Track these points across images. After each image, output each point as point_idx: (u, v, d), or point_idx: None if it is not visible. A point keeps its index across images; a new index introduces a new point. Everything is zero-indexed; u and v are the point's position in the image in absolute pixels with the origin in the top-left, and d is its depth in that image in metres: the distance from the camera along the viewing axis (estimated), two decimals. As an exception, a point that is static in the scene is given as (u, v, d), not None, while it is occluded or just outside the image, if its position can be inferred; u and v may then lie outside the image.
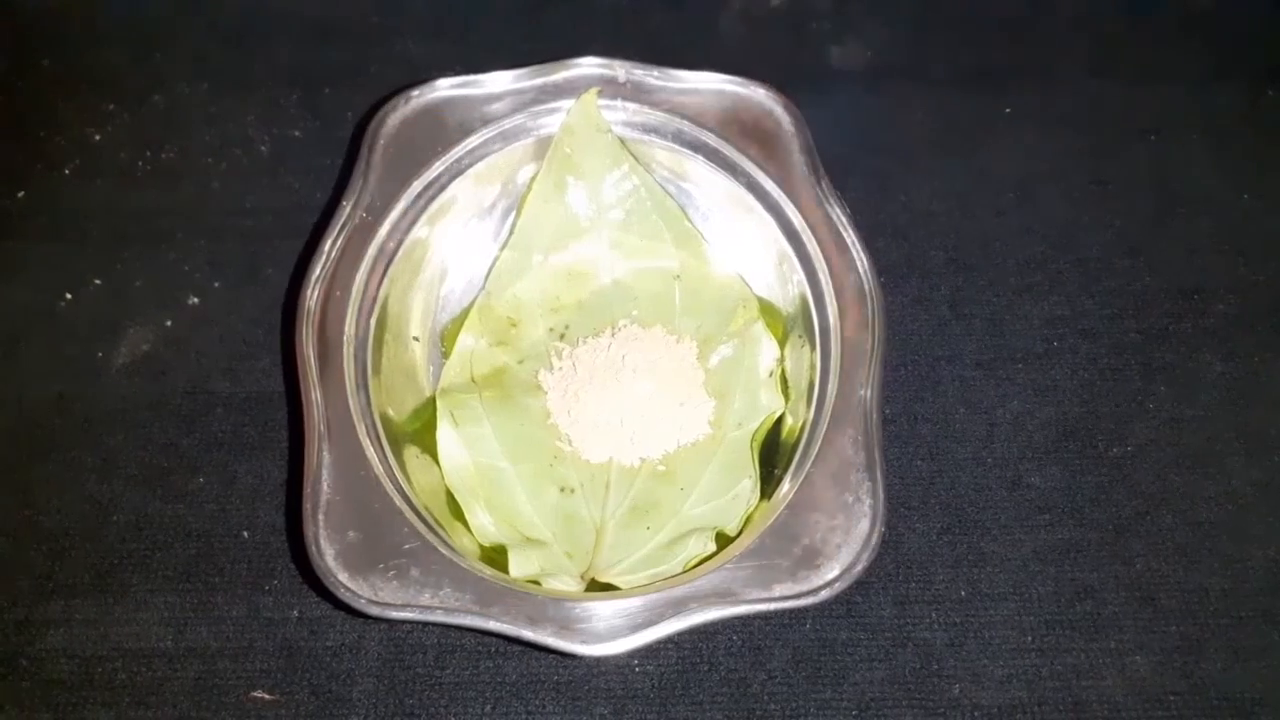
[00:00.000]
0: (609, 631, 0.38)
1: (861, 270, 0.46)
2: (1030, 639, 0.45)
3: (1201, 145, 0.59)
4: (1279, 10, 0.64)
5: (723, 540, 0.43)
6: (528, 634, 0.37)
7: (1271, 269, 0.54)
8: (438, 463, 0.46)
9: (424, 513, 0.42)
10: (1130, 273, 0.54)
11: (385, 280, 0.47)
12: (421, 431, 0.47)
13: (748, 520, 0.44)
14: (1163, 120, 0.60)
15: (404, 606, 0.38)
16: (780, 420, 0.47)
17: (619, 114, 0.50)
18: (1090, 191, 0.57)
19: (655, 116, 0.50)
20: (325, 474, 0.41)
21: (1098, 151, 0.59)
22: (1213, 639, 0.45)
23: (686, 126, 0.50)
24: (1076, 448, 0.49)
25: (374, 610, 0.38)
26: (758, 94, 0.50)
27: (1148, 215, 0.56)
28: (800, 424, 0.44)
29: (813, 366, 0.45)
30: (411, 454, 0.45)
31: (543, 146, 0.50)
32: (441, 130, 0.49)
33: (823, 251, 0.46)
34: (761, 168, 0.49)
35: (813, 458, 0.41)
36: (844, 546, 0.39)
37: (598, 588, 0.43)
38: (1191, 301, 0.53)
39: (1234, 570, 0.46)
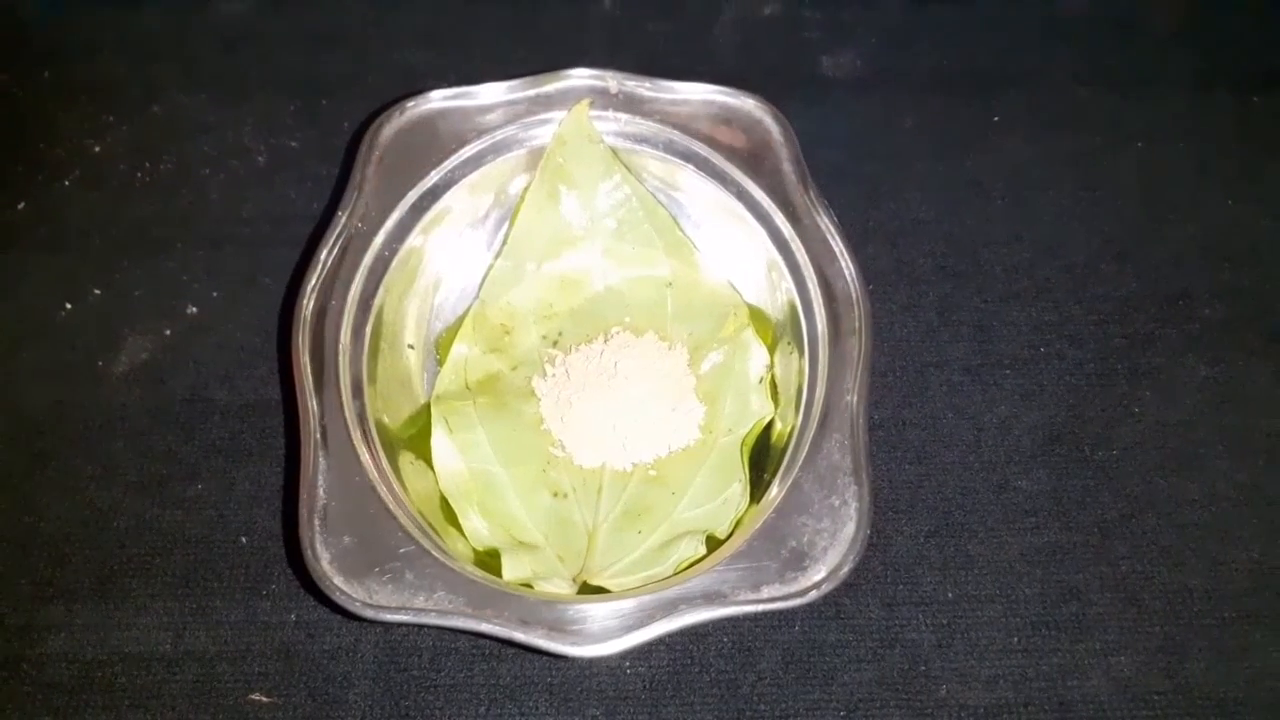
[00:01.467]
0: (601, 633, 0.38)
1: (849, 278, 0.46)
2: (1016, 640, 0.45)
3: (1188, 152, 0.60)
4: (1264, 19, 0.65)
5: (713, 543, 0.44)
6: (520, 636, 0.38)
7: (1257, 275, 0.55)
8: (432, 468, 0.47)
9: (418, 517, 0.42)
10: (1117, 279, 0.55)
11: (380, 289, 0.47)
12: (416, 438, 0.47)
13: (737, 523, 0.45)
14: (1150, 127, 0.61)
15: (399, 609, 0.39)
16: (770, 425, 0.48)
17: (611, 124, 0.51)
18: (1078, 198, 0.58)
19: (647, 127, 0.51)
20: (321, 480, 0.42)
21: (1085, 158, 0.59)
22: (1196, 639, 0.45)
23: (677, 137, 0.50)
24: (1063, 451, 0.50)
25: (369, 613, 0.39)
26: (747, 104, 0.51)
27: (1135, 222, 0.57)
28: (789, 429, 0.45)
29: (801, 372, 0.46)
30: (406, 460, 0.46)
31: (536, 157, 0.51)
32: (436, 141, 0.50)
33: (811, 259, 0.47)
34: (751, 177, 0.49)
35: (800, 462, 0.42)
36: (831, 549, 0.40)
37: (590, 590, 0.44)
38: (1177, 307, 0.54)
39: (1218, 571, 0.47)
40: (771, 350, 0.49)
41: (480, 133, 0.50)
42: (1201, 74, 0.63)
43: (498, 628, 0.38)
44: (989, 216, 0.57)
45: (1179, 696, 0.44)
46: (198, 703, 0.44)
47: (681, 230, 0.51)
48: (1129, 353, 0.53)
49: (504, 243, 0.51)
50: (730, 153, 0.50)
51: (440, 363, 0.50)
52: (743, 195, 0.49)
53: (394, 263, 0.48)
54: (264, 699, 0.44)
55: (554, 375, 0.49)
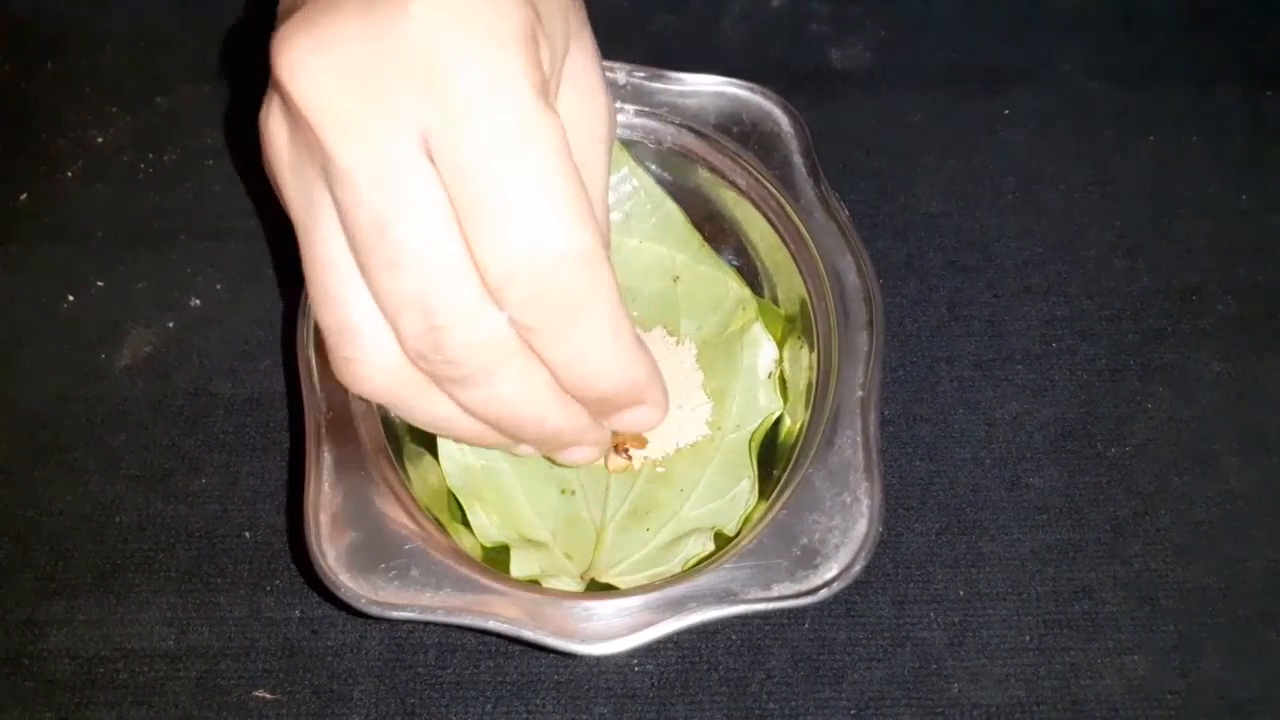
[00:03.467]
0: (608, 631, 0.38)
1: (860, 271, 0.46)
2: (1029, 638, 0.45)
3: (1200, 146, 0.59)
4: (1277, 12, 0.64)
5: (722, 541, 0.44)
6: (527, 633, 0.38)
7: (1270, 270, 0.54)
8: (439, 464, 0.46)
9: (425, 513, 0.42)
10: (1129, 274, 0.55)
11: (386, 282, 0.47)
12: (422, 433, 0.47)
13: (746, 521, 0.44)
14: (1161, 121, 0.60)
15: (405, 606, 0.38)
16: (779, 421, 0.48)
17: (619, 116, 0.50)
18: (1089, 193, 0.57)
19: (655, 118, 0.50)
20: (327, 475, 0.41)
21: (1096, 153, 0.59)
22: (1211, 638, 0.45)
23: (686, 129, 0.50)
24: (1075, 448, 0.49)
25: (375, 610, 0.38)
26: (756, 96, 0.50)
27: (1146, 216, 0.57)
28: (799, 425, 0.45)
29: (811, 368, 0.45)
30: (412, 455, 0.45)
31: (543, 148, 0.50)
32: (442, 132, 0.49)
33: (821, 253, 0.47)
34: (760, 169, 0.49)
35: (810, 458, 0.42)
36: (842, 546, 0.40)
37: (598, 588, 0.43)
38: (1190, 302, 0.54)
39: (1232, 570, 0.46)
40: (781, 345, 0.49)
41: (487, 124, 0.50)
42: (1213, 68, 0.62)
43: (505, 625, 0.38)
44: (999, 211, 0.57)
45: (1193, 696, 0.44)
46: (201, 699, 0.44)
47: (689, 223, 0.51)
48: (1141, 348, 0.52)
49: (511, 236, 0.51)
50: (739, 145, 0.49)
51: (446, 357, 0.50)
52: (752, 188, 0.49)
53: (400, 255, 0.47)
54: (268, 696, 0.44)
55: (561, 370, 0.49)
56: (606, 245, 0.33)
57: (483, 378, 0.33)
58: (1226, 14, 0.65)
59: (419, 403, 0.35)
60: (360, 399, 0.44)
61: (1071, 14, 0.65)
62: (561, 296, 0.32)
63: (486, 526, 0.45)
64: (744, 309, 0.50)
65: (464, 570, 0.39)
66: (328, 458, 0.41)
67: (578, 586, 0.43)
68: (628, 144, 0.50)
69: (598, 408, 0.37)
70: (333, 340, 0.34)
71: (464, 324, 0.32)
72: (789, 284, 0.48)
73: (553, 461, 0.46)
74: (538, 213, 0.31)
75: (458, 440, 0.39)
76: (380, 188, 0.31)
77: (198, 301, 0.54)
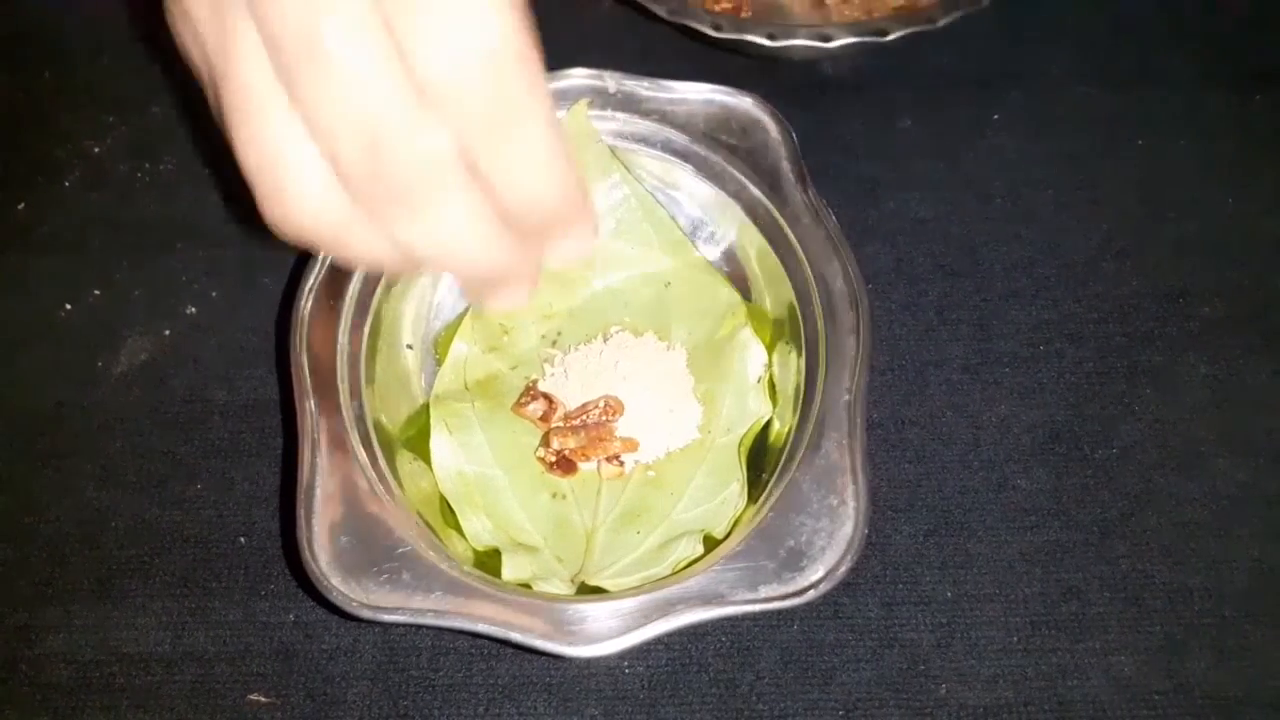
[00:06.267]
0: (599, 633, 0.38)
1: (847, 276, 0.46)
2: (1016, 639, 0.45)
3: (1188, 150, 0.60)
4: (1264, 17, 0.65)
5: (711, 543, 0.44)
6: (517, 636, 0.38)
7: (1256, 273, 0.55)
8: (431, 469, 0.47)
9: (417, 518, 0.43)
10: (1117, 276, 0.55)
11: (378, 289, 0.47)
12: (415, 439, 0.47)
13: (735, 523, 0.45)
14: (1150, 125, 0.60)
15: (397, 609, 0.39)
16: (768, 425, 0.48)
17: (609, 124, 0.51)
18: (1077, 196, 0.58)
19: (645, 126, 0.51)
20: (320, 480, 0.42)
21: (1085, 157, 0.59)
22: (1197, 638, 0.45)
23: (676, 136, 0.50)
24: (1062, 450, 0.50)
25: (367, 613, 0.39)
26: (745, 103, 0.51)
27: (1135, 220, 0.57)
28: (787, 429, 0.45)
29: (799, 372, 0.46)
30: (405, 460, 0.46)
31: (534, 156, 0.51)
32: (434, 141, 0.50)
33: (809, 258, 0.47)
34: (749, 176, 0.49)
35: (799, 461, 0.42)
36: (829, 548, 0.40)
37: (588, 591, 0.44)
38: (1177, 305, 0.54)
39: (1218, 570, 0.47)
40: (770, 349, 0.49)
41: (479, 132, 0.50)
42: (1201, 72, 0.63)
43: (495, 628, 0.38)
44: (988, 215, 0.57)
45: (1179, 696, 0.44)
46: (196, 703, 0.44)
47: (680, 229, 0.51)
48: (1129, 351, 0.52)
49: (503, 242, 0.51)
50: (728, 152, 0.50)
51: (439, 362, 0.50)
52: (741, 194, 0.49)
53: (392, 262, 0.48)
54: (263, 699, 0.44)
55: (553, 375, 0.49)
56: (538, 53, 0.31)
57: (423, 202, 0.31)
58: (1214, 19, 0.65)
59: (352, 239, 0.33)
60: (358, 406, 0.44)
61: (1060, 20, 0.65)
62: (498, 96, 0.30)
63: (478, 531, 0.45)
64: (734, 314, 0.50)
65: (455, 574, 0.40)
66: (321, 464, 0.42)
67: (569, 589, 0.43)
68: (618, 151, 0.51)
69: (535, 233, 0.34)
70: (259, 178, 0.32)
71: (405, 139, 0.30)
72: (778, 289, 0.49)
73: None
74: (467, 7, 0.29)
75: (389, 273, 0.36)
76: None
77: (193, 309, 0.54)
